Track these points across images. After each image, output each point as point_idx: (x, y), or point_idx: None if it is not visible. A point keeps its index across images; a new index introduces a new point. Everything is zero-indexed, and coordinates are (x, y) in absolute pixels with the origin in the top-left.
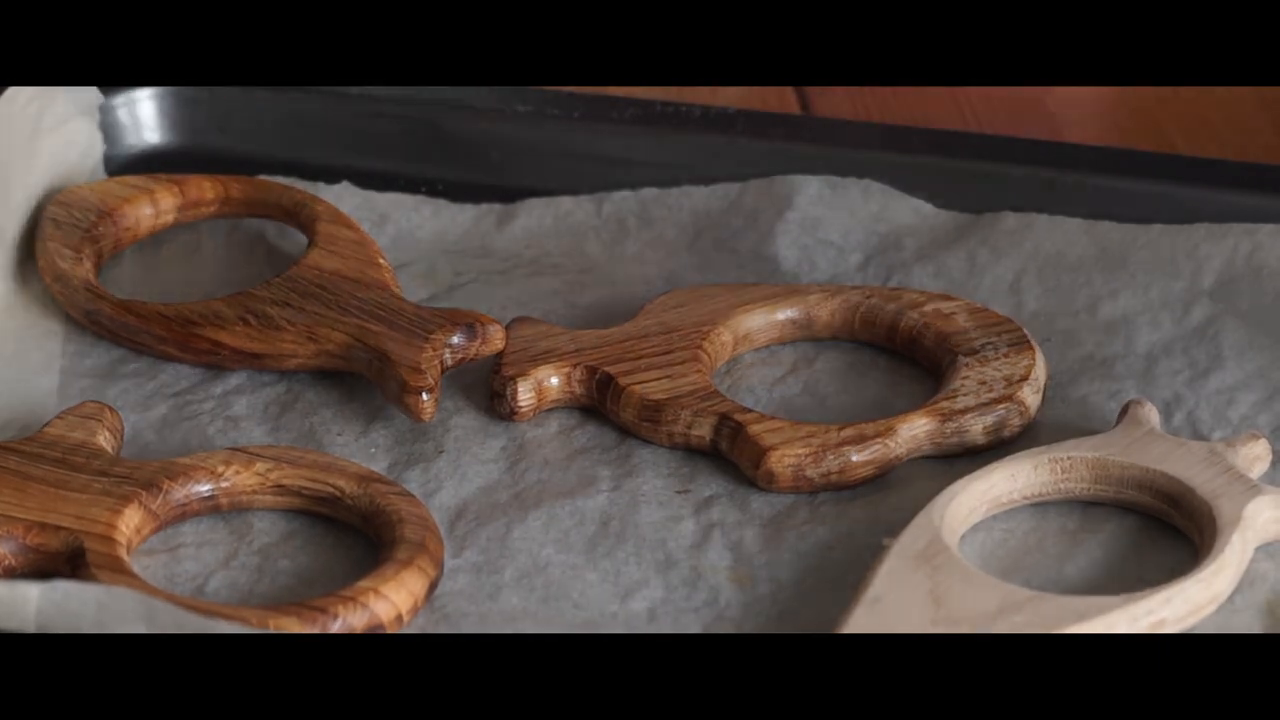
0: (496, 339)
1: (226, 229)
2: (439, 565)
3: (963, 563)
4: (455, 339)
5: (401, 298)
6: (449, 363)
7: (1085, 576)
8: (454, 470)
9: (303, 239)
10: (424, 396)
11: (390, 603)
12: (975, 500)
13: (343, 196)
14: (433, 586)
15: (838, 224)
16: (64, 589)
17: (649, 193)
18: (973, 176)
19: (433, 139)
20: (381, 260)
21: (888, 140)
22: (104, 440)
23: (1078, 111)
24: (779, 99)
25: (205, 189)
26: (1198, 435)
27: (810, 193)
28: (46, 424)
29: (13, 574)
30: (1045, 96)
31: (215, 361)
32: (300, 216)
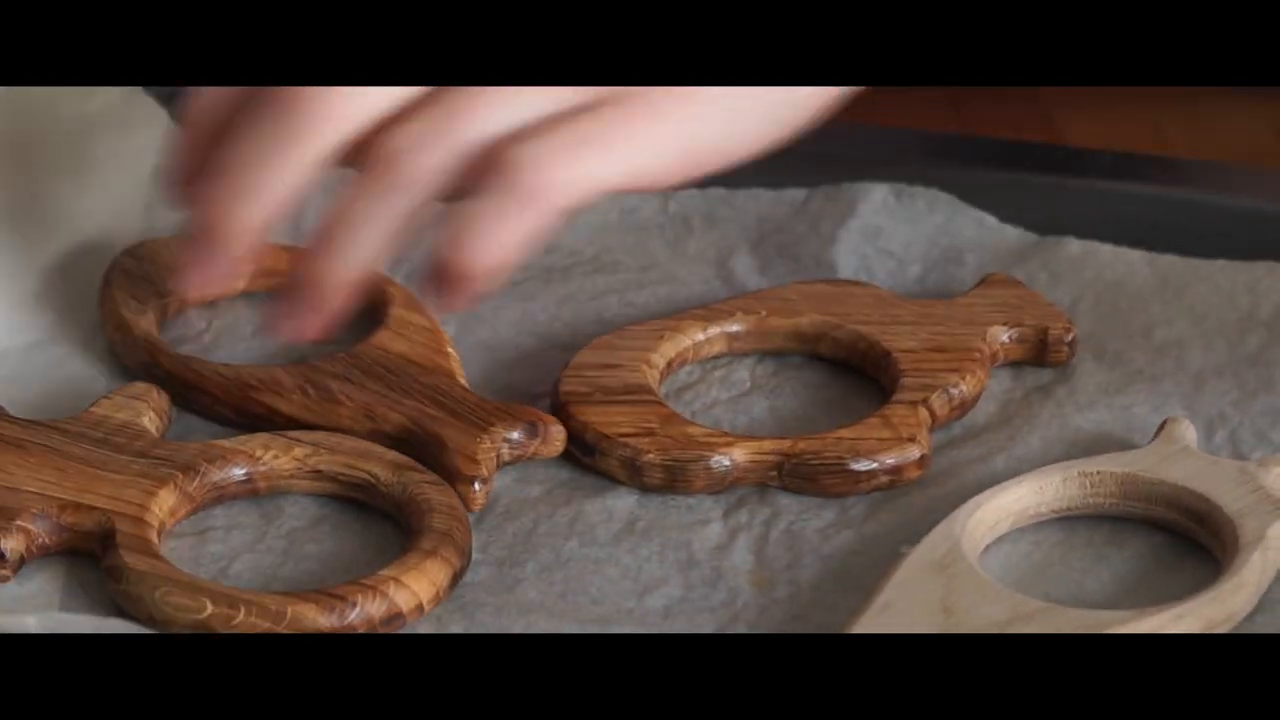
0: (557, 440)
1: None
2: (465, 555)
3: (978, 573)
4: (515, 435)
5: (466, 388)
6: (506, 458)
7: (1106, 591)
8: None
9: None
10: (476, 486)
11: (411, 591)
12: (1001, 512)
13: None
14: (458, 576)
15: (900, 235)
16: (58, 620)
17: (716, 192)
18: (1039, 189)
19: None
20: (450, 349)
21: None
22: (148, 421)
23: (1078, 111)
24: None
25: (280, 259)
26: (1238, 454)
27: (875, 201)
28: (93, 403)
29: (47, 551)
30: (1045, 96)
31: (270, 428)
32: (372, 297)
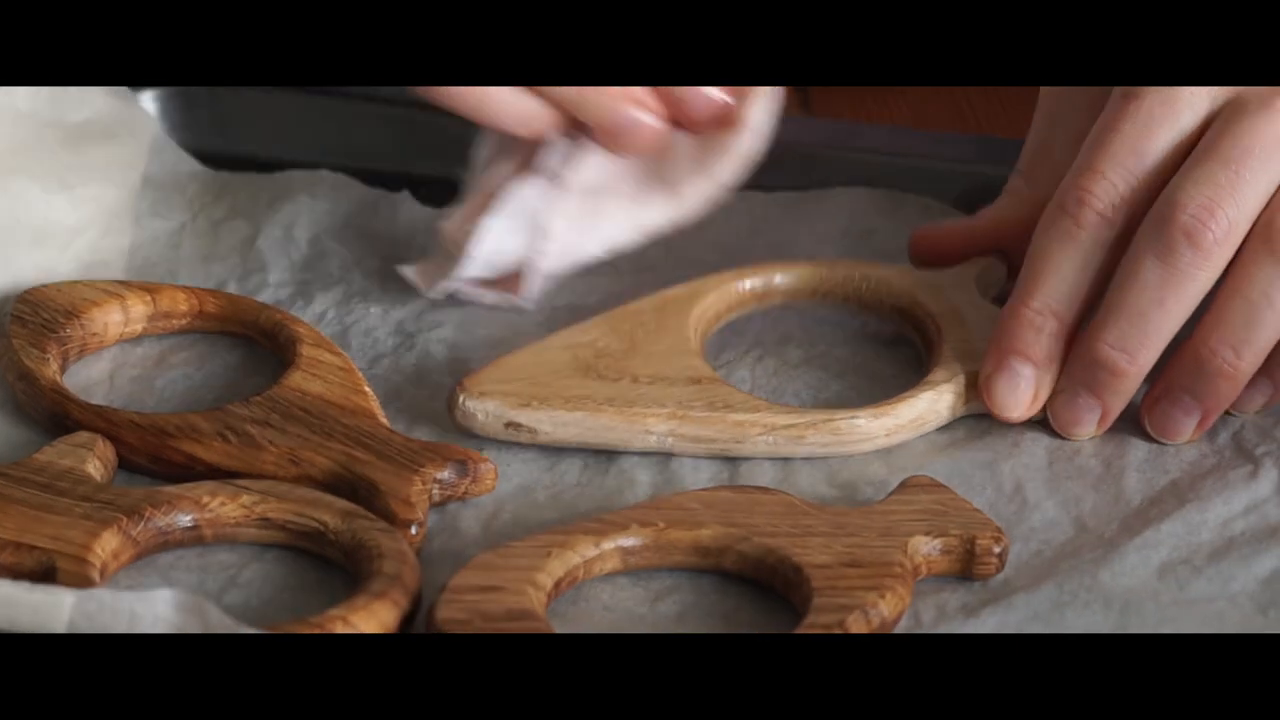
0: (488, 478)
1: (197, 340)
2: (415, 600)
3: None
4: (444, 474)
5: (390, 428)
6: (436, 498)
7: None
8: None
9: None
10: (413, 530)
11: (358, 631)
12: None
13: (399, 205)
14: (407, 620)
15: (894, 236)
16: (99, 599)
17: None
18: None
19: (430, 138)
20: (366, 389)
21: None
22: (93, 468)
23: None
24: None
25: (179, 300)
26: (1242, 451)
27: (868, 204)
28: (37, 450)
29: None
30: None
31: (188, 477)
32: (279, 337)
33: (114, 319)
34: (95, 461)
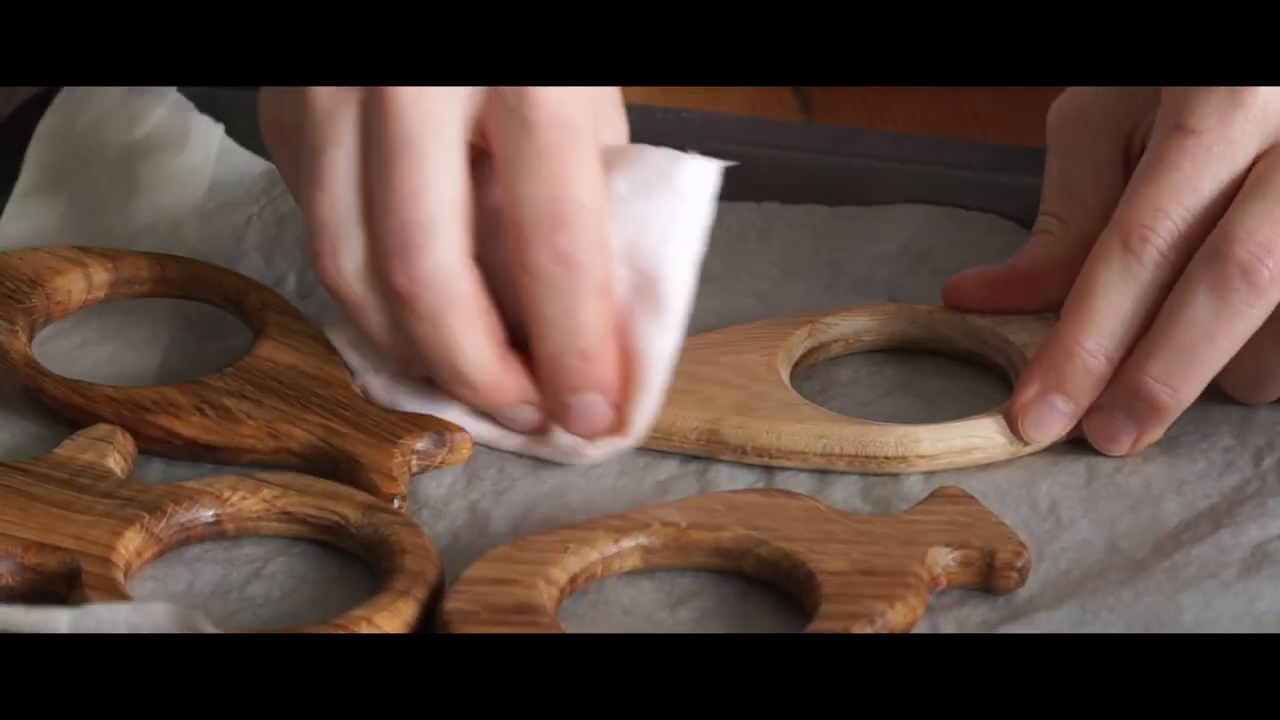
0: (464, 448)
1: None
2: (437, 597)
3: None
4: (422, 445)
5: (363, 398)
6: (415, 468)
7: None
8: (530, 470)
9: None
10: (396, 504)
11: (382, 631)
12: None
13: None
14: (429, 615)
15: (953, 256)
16: (96, 615)
17: (771, 206)
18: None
19: None
20: (337, 356)
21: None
22: (113, 463)
23: None
24: (779, 99)
25: (140, 266)
26: None
27: (930, 222)
28: (58, 445)
29: (10, 594)
30: (1045, 96)
31: (166, 451)
32: (244, 304)
33: (78, 286)
34: (115, 455)
